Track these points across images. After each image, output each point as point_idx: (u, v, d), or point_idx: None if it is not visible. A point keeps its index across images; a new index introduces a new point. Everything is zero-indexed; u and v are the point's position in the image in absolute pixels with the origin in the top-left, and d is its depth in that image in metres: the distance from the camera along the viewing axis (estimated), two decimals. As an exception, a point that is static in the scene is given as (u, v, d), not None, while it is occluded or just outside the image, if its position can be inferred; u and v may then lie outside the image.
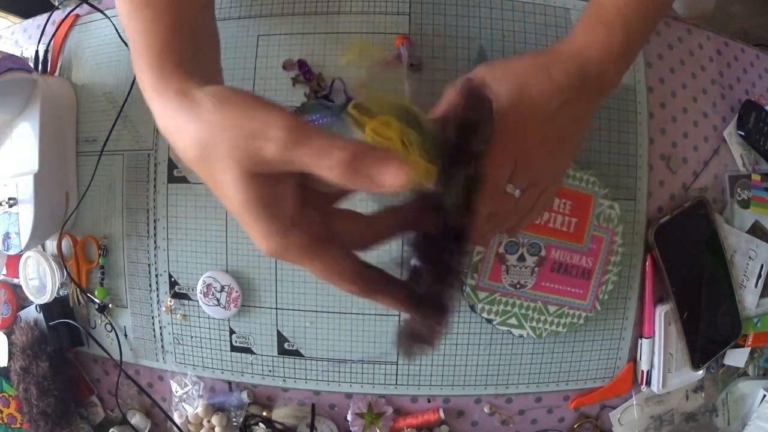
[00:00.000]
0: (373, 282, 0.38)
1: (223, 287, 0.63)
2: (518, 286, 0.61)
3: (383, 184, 0.32)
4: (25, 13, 0.97)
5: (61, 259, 0.70)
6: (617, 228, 0.62)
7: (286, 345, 0.64)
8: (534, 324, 0.62)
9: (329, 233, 0.36)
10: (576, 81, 0.46)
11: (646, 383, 0.66)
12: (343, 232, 0.37)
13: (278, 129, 0.32)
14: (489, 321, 0.62)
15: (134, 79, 0.66)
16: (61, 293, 0.71)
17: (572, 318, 0.63)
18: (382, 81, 0.46)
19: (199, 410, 0.66)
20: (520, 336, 0.63)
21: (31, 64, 0.72)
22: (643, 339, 0.65)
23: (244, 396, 0.66)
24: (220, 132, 0.33)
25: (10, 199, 0.66)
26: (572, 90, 0.46)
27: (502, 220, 0.48)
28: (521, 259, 0.61)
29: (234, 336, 0.65)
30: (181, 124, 0.35)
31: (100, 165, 0.68)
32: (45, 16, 0.75)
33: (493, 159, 0.42)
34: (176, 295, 0.66)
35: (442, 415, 0.64)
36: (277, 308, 0.64)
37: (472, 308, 0.62)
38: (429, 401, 0.65)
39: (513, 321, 0.62)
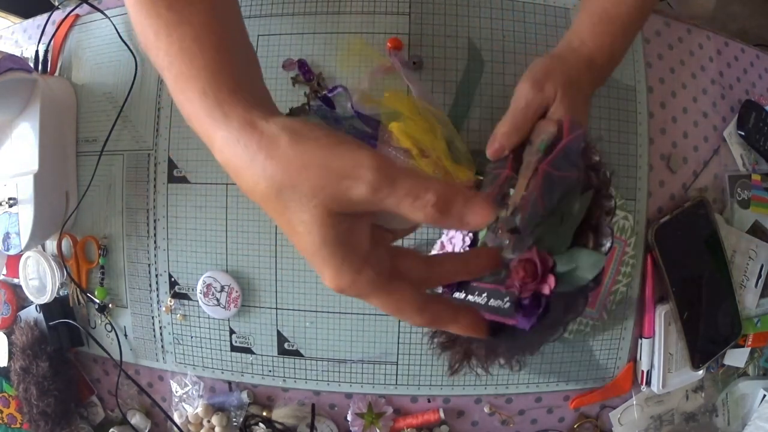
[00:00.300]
0: (439, 313, 0.37)
1: (223, 287, 0.63)
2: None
3: (470, 223, 0.33)
4: (25, 13, 0.97)
5: (61, 259, 0.70)
6: (630, 239, 0.61)
7: (286, 345, 0.64)
8: None
9: (394, 269, 0.35)
10: (592, 90, 0.52)
11: (646, 383, 0.66)
12: (407, 269, 0.36)
13: (368, 170, 0.31)
14: None
15: (134, 79, 0.66)
16: (61, 293, 0.71)
17: (579, 325, 0.62)
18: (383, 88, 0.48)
19: (199, 410, 0.66)
20: None
21: (31, 64, 0.72)
22: (643, 339, 0.65)
23: (244, 396, 0.66)
24: (302, 171, 0.32)
25: (10, 199, 0.66)
26: (590, 98, 0.52)
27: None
28: None
29: (234, 336, 0.65)
30: (250, 159, 0.33)
31: (100, 165, 0.68)
32: (45, 16, 0.75)
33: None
34: (176, 295, 0.66)
35: (442, 415, 0.64)
36: (277, 308, 0.64)
37: None
38: (429, 401, 0.65)
39: None
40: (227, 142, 0.35)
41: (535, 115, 0.47)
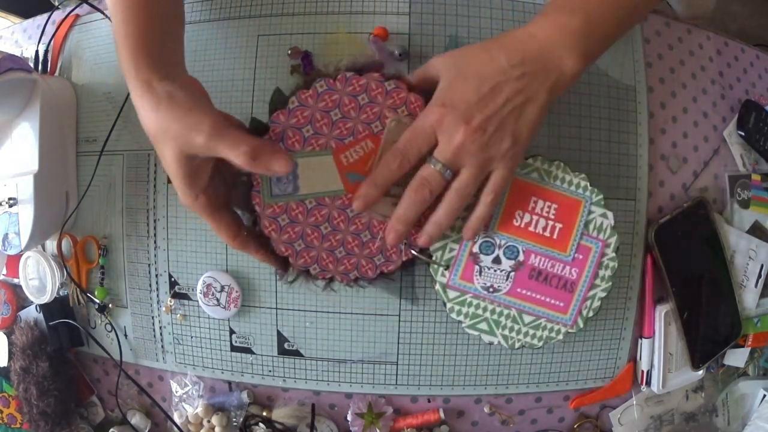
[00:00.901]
0: (247, 241, 0.54)
1: (223, 287, 0.63)
2: (491, 289, 0.58)
3: (274, 170, 0.48)
4: (25, 13, 0.97)
5: (61, 259, 0.70)
6: (609, 239, 0.58)
7: (286, 345, 0.64)
8: (506, 332, 0.59)
9: (227, 201, 0.53)
10: (518, 62, 0.48)
11: (646, 383, 0.66)
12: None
13: (207, 126, 0.46)
14: (458, 322, 0.59)
15: None
16: (61, 293, 0.71)
17: (549, 332, 0.59)
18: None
19: (199, 410, 0.66)
20: (490, 343, 0.60)
21: (31, 64, 0.72)
22: (643, 339, 0.65)
23: (244, 396, 0.66)
24: (169, 122, 0.47)
25: (10, 199, 0.66)
26: (515, 70, 0.48)
27: (440, 209, 0.51)
28: (497, 261, 0.58)
29: (234, 336, 0.65)
30: (146, 110, 0.49)
31: (100, 165, 0.68)
32: (45, 16, 0.75)
33: (415, 125, 0.50)
34: (176, 295, 0.66)
35: (442, 415, 0.64)
36: (277, 308, 0.64)
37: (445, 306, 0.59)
38: (429, 401, 0.65)
39: (483, 326, 0.59)
40: (134, 95, 0.50)
41: (424, 70, 0.53)
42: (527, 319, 0.59)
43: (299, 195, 0.55)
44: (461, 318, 0.59)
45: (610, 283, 0.59)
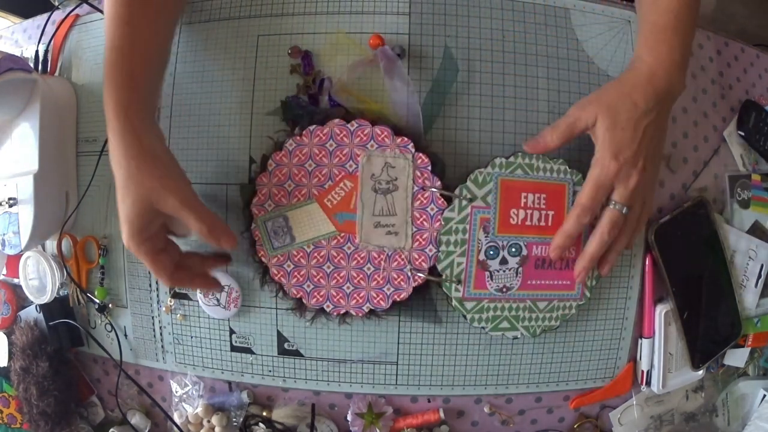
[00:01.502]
0: (181, 277, 0.57)
1: (223, 287, 0.63)
2: (505, 289, 0.61)
3: (221, 245, 0.55)
4: (25, 13, 0.97)
5: (61, 259, 0.69)
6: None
7: (286, 345, 0.64)
8: (526, 323, 0.62)
9: (164, 250, 0.56)
10: (653, 101, 0.55)
11: (646, 383, 0.66)
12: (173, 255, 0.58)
13: (181, 192, 0.53)
14: (482, 329, 0.62)
15: None
16: (61, 293, 0.71)
17: (563, 309, 0.62)
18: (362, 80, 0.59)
19: (199, 410, 0.66)
20: (514, 337, 0.62)
21: (31, 64, 0.72)
22: (643, 339, 0.65)
23: (244, 396, 0.66)
24: (146, 177, 0.52)
25: (10, 199, 0.66)
26: (653, 111, 0.55)
27: (620, 239, 0.58)
28: (503, 262, 0.60)
29: (234, 336, 0.65)
30: (124, 156, 0.52)
31: (100, 165, 0.68)
32: (45, 16, 0.75)
33: (597, 186, 0.55)
34: (176, 295, 0.66)
35: (442, 415, 0.64)
36: (277, 308, 0.63)
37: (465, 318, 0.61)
38: (429, 401, 0.65)
39: (505, 324, 0.61)
40: (116, 135, 0.52)
41: (573, 126, 0.56)
42: (542, 305, 0.62)
43: (297, 243, 0.60)
44: (483, 324, 0.61)
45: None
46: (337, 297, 0.60)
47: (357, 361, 0.63)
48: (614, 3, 0.65)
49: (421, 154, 0.58)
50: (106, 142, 0.65)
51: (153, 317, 0.68)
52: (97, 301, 0.68)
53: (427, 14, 0.61)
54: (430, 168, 0.58)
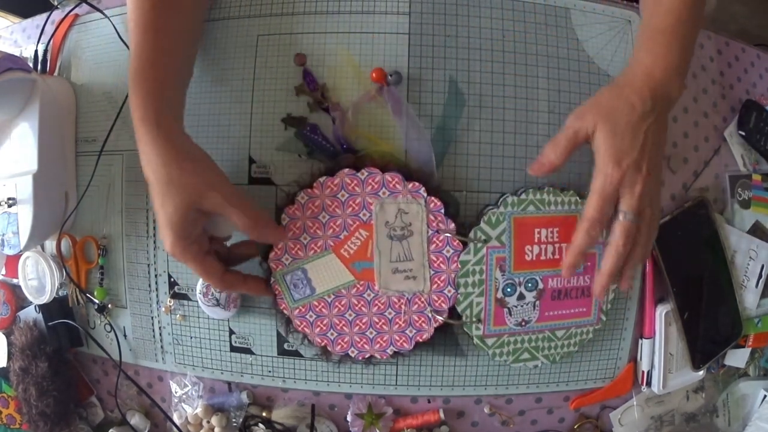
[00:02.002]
0: (234, 279, 0.57)
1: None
2: (523, 323, 0.61)
3: (265, 239, 0.57)
4: (25, 12, 0.97)
5: (60, 259, 0.69)
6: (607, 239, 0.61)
7: (285, 345, 0.64)
8: (546, 352, 0.63)
9: (209, 250, 0.55)
10: (651, 103, 0.54)
11: (647, 384, 0.66)
12: (220, 252, 0.58)
13: (224, 187, 0.53)
14: (504, 362, 0.62)
15: None
16: (60, 293, 0.71)
17: (581, 335, 0.63)
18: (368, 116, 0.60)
19: (199, 411, 0.66)
20: (535, 366, 0.63)
21: (31, 64, 0.72)
22: (643, 339, 0.65)
23: (244, 396, 0.66)
24: (187, 175, 0.51)
25: (9, 199, 0.66)
26: (651, 113, 0.54)
27: (635, 251, 0.55)
28: (521, 297, 0.61)
29: (233, 336, 0.65)
30: (159, 158, 0.51)
31: (99, 165, 0.68)
32: (44, 15, 0.74)
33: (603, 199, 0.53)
34: (176, 296, 0.66)
35: (442, 415, 0.64)
36: (276, 309, 0.63)
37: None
38: (429, 402, 0.65)
39: (525, 356, 0.62)
40: (148, 139, 0.52)
41: (574, 138, 0.54)
42: (560, 333, 0.63)
43: (317, 294, 0.60)
44: (504, 358, 0.62)
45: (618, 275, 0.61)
46: (361, 342, 0.61)
47: (358, 362, 0.63)
48: (615, 2, 0.65)
49: (433, 198, 0.58)
50: (105, 141, 0.67)
51: (152, 317, 0.68)
52: (97, 301, 0.68)
53: (427, 14, 0.61)
54: (443, 211, 0.58)
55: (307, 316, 0.61)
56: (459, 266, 0.59)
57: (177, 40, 0.57)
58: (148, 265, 0.67)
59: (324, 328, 0.61)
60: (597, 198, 0.53)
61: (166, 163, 0.51)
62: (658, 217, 0.57)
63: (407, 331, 0.61)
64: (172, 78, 0.56)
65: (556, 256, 0.61)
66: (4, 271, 0.76)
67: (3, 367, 0.76)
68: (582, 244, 0.55)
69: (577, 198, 0.60)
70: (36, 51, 0.73)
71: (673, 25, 0.56)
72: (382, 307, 0.60)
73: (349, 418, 0.65)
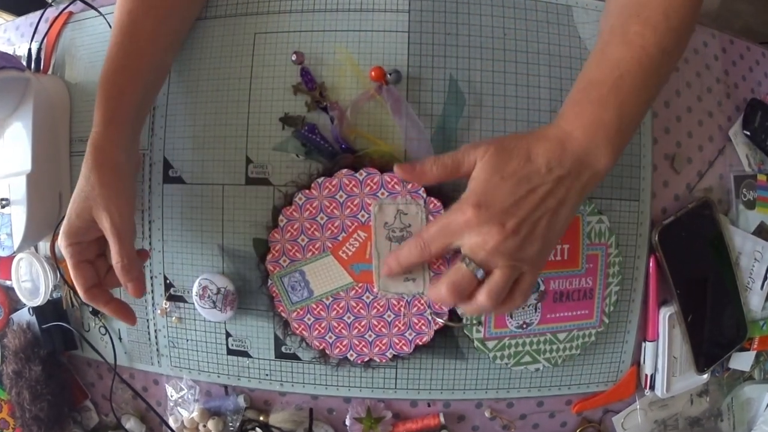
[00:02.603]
0: (96, 297, 0.56)
1: (219, 289, 0.63)
2: (525, 325, 0.61)
3: (125, 287, 0.55)
4: (18, 10, 0.97)
5: (54, 260, 0.69)
6: (610, 240, 0.62)
7: (283, 348, 0.64)
8: (548, 355, 0.63)
9: (90, 263, 0.56)
10: (556, 164, 0.48)
11: (650, 387, 0.66)
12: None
13: (116, 218, 0.53)
14: (505, 365, 0.63)
15: None
16: (54, 296, 0.71)
17: (584, 338, 0.63)
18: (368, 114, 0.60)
19: (195, 415, 0.66)
20: (537, 370, 0.63)
21: (24, 63, 0.71)
22: (646, 342, 0.65)
23: (241, 400, 0.66)
24: (98, 186, 0.53)
25: (2, 199, 0.66)
26: (551, 174, 0.48)
27: (468, 305, 0.50)
28: None
29: (230, 339, 0.65)
30: (93, 157, 0.54)
31: (94, 165, 0.67)
32: (38, 13, 0.74)
33: (444, 229, 0.50)
34: (171, 298, 0.66)
35: (442, 419, 0.64)
36: (273, 311, 0.63)
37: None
38: (429, 405, 0.65)
39: (527, 359, 0.63)
40: (92, 142, 0.55)
41: (458, 164, 0.51)
42: (561, 336, 0.63)
43: (315, 297, 0.60)
44: (505, 361, 0.62)
45: (621, 276, 0.63)
46: (360, 345, 0.61)
47: (356, 365, 0.63)
48: None
49: (433, 199, 0.58)
50: None
51: (148, 320, 0.67)
52: (91, 303, 0.68)
53: (427, 11, 0.61)
54: (443, 212, 0.58)
55: (305, 319, 0.61)
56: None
57: (148, 46, 0.57)
58: (144, 266, 0.66)
59: (322, 330, 0.61)
60: (437, 224, 0.50)
61: (92, 166, 0.54)
62: (525, 295, 0.51)
63: (407, 334, 0.61)
64: (134, 85, 0.57)
65: (557, 258, 0.61)
66: (-3, 273, 0.76)
67: (-4, 371, 0.76)
68: (400, 255, 0.54)
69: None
70: (30, 49, 0.73)
71: (612, 81, 0.49)
72: (381, 309, 0.60)
73: (347, 423, 0.65)
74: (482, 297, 0.49)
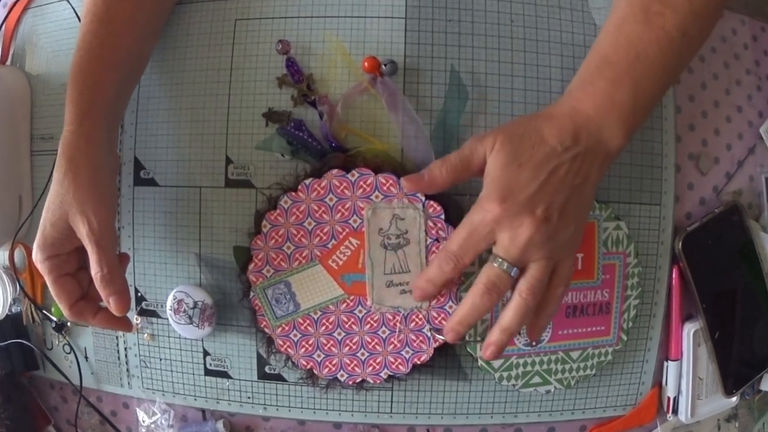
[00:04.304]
0: (84, 308, 0.56)
1: (195, 303, 0.63)
2: (534, 343, 0.61)
3: (107, 303, 0.55)
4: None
5: (13, 271, 0.69)
6: (628, 248, 0.62)
7: (267, 368, 0.64)
8: (560, 375, 0.62)
9: (71, 276, 0.56)
10: (571, 143, 0.49)
11: (673, 411, 0.66)
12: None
13: (96, 226, 0.53)
14: (512, 386, 0.62)
15: None
16: (13, 310, 0.71)
17: (599, 357, 0.63)
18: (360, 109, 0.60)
19: (169, 442, 0.66)
20: (547, 392, 0.63)
21: (-21, 52, 0.72)
22: (669, 362, 0.65)
23: (220, 426, 0.66)
24: (74, 191, 0.53)
25: (-46, 204, 0.66)
26: (570, 151, 0.49)
27: (506, 314, 0.51)
28: None
29: (208, 358, 0.65)
30: (68, 158, 0.53)
31: (57, 165, 0.67)
32: (-6, -3, 0.75)
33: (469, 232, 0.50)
34: (143, 312, 0.66)
35: (442, 447, 0.64)
36: (256, 327, 0.63)
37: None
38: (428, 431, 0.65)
39: (536, 380, 0.62)
40: (66, 140, 0.54)
41: (468, 158, 0.51)
42: (575, 354, 0.62)
43: (302, 311, 0.60)
44: (513, 382, 0.62)
45: (640, 288, 0.63)
46: (352, 365, 0.61)
47: (348, 386, 0.63)
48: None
49: (432, 202, 0.58)
50: None
51: (117, 337, 0.67)
52: (54, 318, 0.68)
53: (426, -2, 0.61)
54: (443, 216, 0.58)
55: (291, 335, 0.60)
56: (462, 279, 0.59)
57: (124, 34, 0.57)
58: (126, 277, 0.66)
59: (310, 348, 0.61)
60: (462, 230, 0.51)
61: (67, 167, 0.53)
62: (564, 283, 0.52)
63: (403, 352, 0.60)
64: (109, 75, 0.56)
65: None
66: (-50, 285, 0.76)
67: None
68: (431, 274, 0.53)
69: (594, 203, 0.60)
70: (-14, 37, 0.73)
71: (630, 61, 0.50)
72: (375, 325, 0.60)
73: (338, 451, 0.64)
74: (523, 295, 0.50)
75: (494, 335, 0.52)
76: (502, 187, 0.49)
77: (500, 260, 0.49)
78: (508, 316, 0.51)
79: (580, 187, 0.49)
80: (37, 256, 0.54)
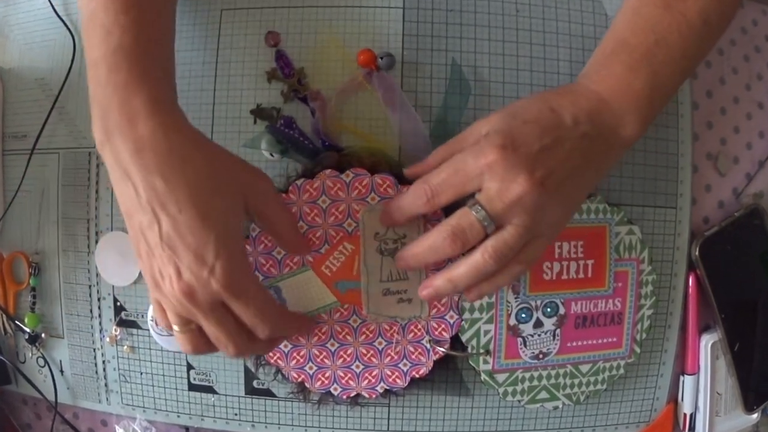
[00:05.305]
0: (288, 322, 0.55)
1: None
2: (541, 356, 0.61)
3: (299, 250, 0.56)
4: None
5: (-17, 279, 0.69)
6: (642, 255, 0.62)
7: (255, 383, 0.64)
8: (568, 390, 0.62)
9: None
10: (584, 119, 0.48)
11: (690, 429, 0.66)
12: None
13: (269, 186, 0.52)
14: (517, 402, 0.62)
15: (72, 62, 0.65)
16: (-17, 320, 0.71)
17: (611, 371, 0.63)
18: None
19: (150, 462, 0.66)
20: (555, 408, 0.63)
21: (-52, 45, 0.71)
22: (685, 376, 0.66)
23: (205, 444, 0.65)
24: (230, 168, 0.48)
25: None
26: (577, 128, 0.48)
27: (473, 268, 0.49)
28: (538, 325, 0.60)
29: (192, 372, 0.65)
30: (192, 147, 0.47)
31: (30, 166, 0.67)
32: (-37, -15, 0.74)
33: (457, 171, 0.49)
34: (123, 323, 0.66)
35: (443, 467, 0.64)
36: (244, 339, 0.63)
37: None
38: (428, 451, 0.64)
39: (543, 395, 0.62)
40: (161, 129, 0.46)
41: (465, 136, 0.52)
42: (584, 368, 0.62)
43: None
44: (518, 398, 0.62)
45: (655, 297, 0.63)
46: (346, 378, 0.61)
47: (340, 402, 0.63)
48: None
49: None
50: (38, 138, 0.66)
51: (95, 349, 0.67)
52: (28, 330, 0.68)
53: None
54: (443, 219, 0.57)
55: (281, 346, 0.60)
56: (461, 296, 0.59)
57: (159, 10, 0.52)
58: (90, 286, 0.66)
59: (301, 360, 0.60)
60: (450, 168, 0.49)
61: (201, 156, 0.47)
62: (531, 258, 0.50)
63: (401, 365, 0.60)
64: (161, 54, 0.51)
65: (580, 276, 0.60)
66: None
67: None
68: (403, 203, 0.52)
69: (606, 206, 0.60)
70: (-45, 29, 0.72)
71: (648, 47, 0.50)
72: (371, 335, 0.60)
73: (330, 472, 0.64)
74: (485, 254, 0.47)
75: (438, 280, 0.51)
76: (505, 134, 0.47)
77: (479, 208, 0.47)
78: (461, 270, 0.49)
79: (581, 169, 0.49)
80: (236, 277, 0.46)
